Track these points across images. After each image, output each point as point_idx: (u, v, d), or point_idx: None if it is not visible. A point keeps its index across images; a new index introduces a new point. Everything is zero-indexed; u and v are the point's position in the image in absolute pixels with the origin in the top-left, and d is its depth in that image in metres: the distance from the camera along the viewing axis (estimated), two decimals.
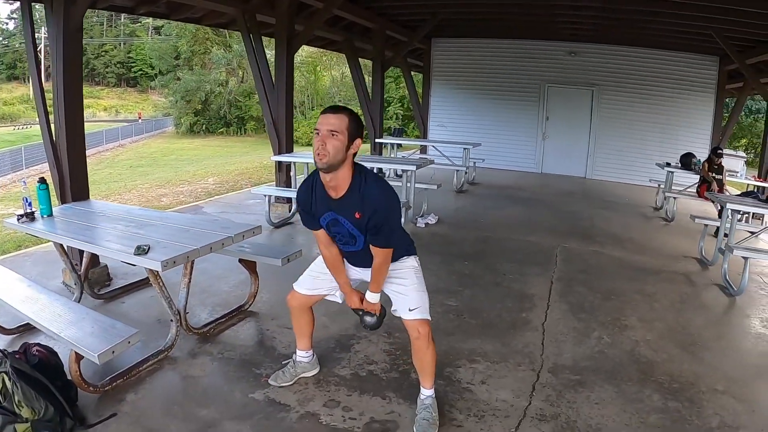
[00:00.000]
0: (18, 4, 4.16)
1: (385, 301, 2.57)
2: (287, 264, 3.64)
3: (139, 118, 40.61)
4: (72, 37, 3.83)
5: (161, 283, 2.95)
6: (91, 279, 3.92)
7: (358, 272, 2.60)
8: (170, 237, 2.98)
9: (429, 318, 2.49)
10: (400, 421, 2.56)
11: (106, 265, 4.23)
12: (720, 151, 7.43)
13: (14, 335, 3.28)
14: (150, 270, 2.84)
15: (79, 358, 2.46)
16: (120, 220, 3.39)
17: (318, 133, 2.11)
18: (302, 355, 2.87)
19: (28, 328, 3.27)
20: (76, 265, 3.74)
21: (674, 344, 3.67)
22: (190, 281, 3.15)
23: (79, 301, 3.57)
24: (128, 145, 31.24)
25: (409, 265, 2.51)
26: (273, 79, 6.65)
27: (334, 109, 2.14)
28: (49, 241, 5.14)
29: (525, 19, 9.58)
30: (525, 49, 11.70)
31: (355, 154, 2.20)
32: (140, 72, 46.41)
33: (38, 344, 2.63)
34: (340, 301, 2.69)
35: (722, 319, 4.34)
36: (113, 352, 2.34)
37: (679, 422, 2.72)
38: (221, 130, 36.79)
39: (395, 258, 2.44)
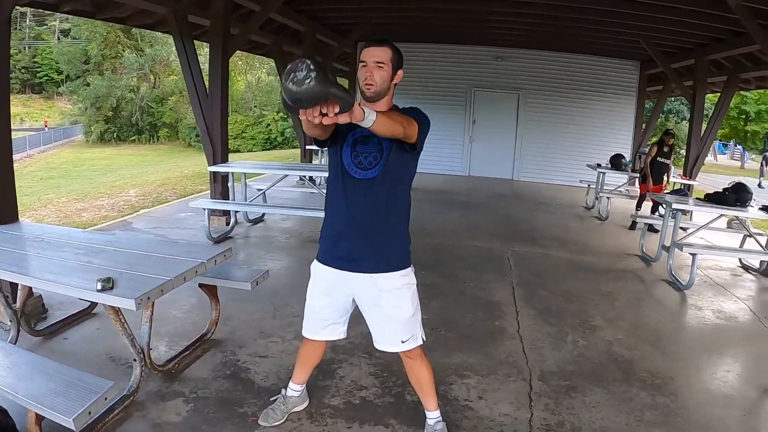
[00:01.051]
0: None
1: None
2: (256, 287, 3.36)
3: (46, 126, 37.48)
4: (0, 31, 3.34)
5: (123, 320, 2.59)
6: (26, 313, 3.42)
7: (346, 280, 2.22)
8: (131, 266, 2.61)
9: (422, 342, 2.31)
10: None
11: (40, 296, 3.72)
12: (671, 132, 7.75)
13: None
14: (110, 307, 2.48)
15: (39, 420, 2.07)
16: (64, 246, 2.96)
17: (365, 65, 2.09)
18: (296, 389, 2.62)
19: None
20: (8, 297, 3.24)
21: (643, 341, 3.79)
22: (152, 315, 2.80)
23: (15, 342, 3.11)
24: (36, 155, 28.69)
25: (405, 282, 2.22)
26: (206, 85, 6.25)
27: (378, 42, 2.12)
28: None
29: (455, 24, 9.71)
30: (452, 54, 11.88)
31: (395, 86, 2.19)
32: (46, 77, 42.77)
33: None
34: (344, 336, 2.43)
35: (679, 313, 4.55)
36: (90, 413, 1.97)
37: (671, 416, 2.80)
38: (133, 138, 34.80)
39: (389, 267, 2.18)
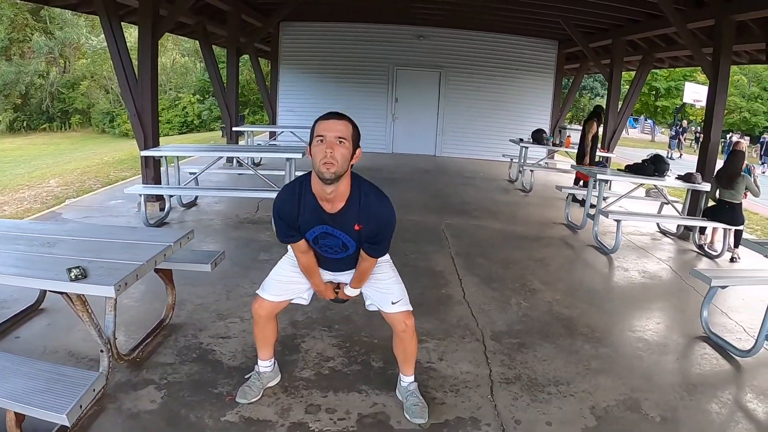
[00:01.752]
0: None
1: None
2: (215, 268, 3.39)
3: None
4: None
5: (90, 310, 2.56)
6: None
7: (333, 276, 2.53)
8: (97, 254, 2.56)
9: (411, 308, 2.51)
10: (387, 411, 2.55)
11: None
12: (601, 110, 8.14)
13: None
14: (78, 297, 2.45)
15: (20, 421, 2.01)
16: (15, 239, 2.84)
17: (322, 140, 1.95)
18: (265, 365, 2.70)
19: None
20: None
21: (580, 300, 4.17)
22: (116, 302, 2.78)
23: None
24: None
25: (384, 259, 2.48)
26: (135, 68, 6.02)
27: (338, 116, 2.01)
28: None
29: (377, 3, 9.79)
30: (374, 33, 11.98)
31: (351, 166, 2.08)
32: None
33: None
34: (307, 303, 2.60)
35: (609, 274, 5.01)
36: (81, 406, 1.95)
37: (614, 364, 3.17)
38: (44, 125, 32.24)
39: None
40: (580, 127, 8.60)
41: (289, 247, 2.44)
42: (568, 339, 3.44)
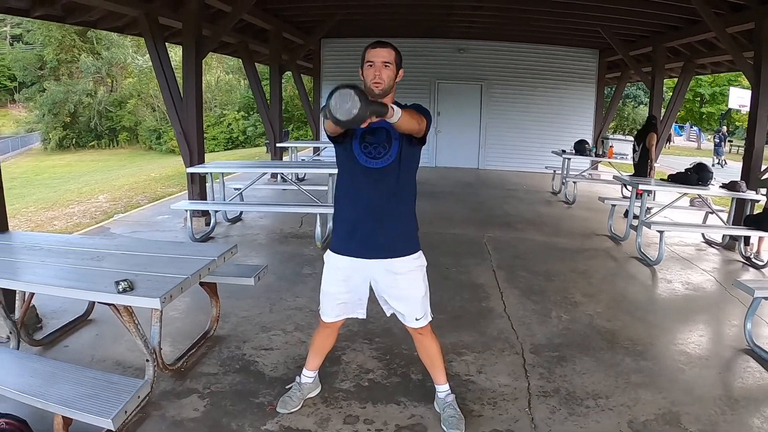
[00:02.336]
0: None
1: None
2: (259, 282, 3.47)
3: None
4: None
5: (136, 321, 2.67)
6: (24, 323, 3.43)
7: (365, 266, 2.39)
8: (144, 267, 2.69)
9: (431, 318, 2.51)
10: (425, 422, 2.56)
11: (34, 306, 3.71)
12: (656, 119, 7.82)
13: None
14: (125, 308, 2.56)
15: (67, 424, 2.12)
16: (67, 253, 3.00)
17: (372, 65, 2.24)
18: (309, 375, 2.75)
19: None
20: (4, 308, 3.25)
21: (622, 312, 4.07)
22: (162, 314, 2.89)
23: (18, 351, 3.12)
24: None
25: (418, 264, 2.43)
26: (180, 87, 6.25)
27: (382, 44, 2.28)
28: None
29: (417, 18, 9.88)
30: (414, 48, 12.02)
31: (396, 84, 2.33)
32: None
33: (2, 414, 2.25)
34: (364, 317, 2.59)
35: (652, 286, 4.86)
36: (126, 412, 2.05)
37: (655, 377, 3.07)
38: (92, 143, 33.84)
39: (403, 252, 2.38)
40: (624, 137, 8.42)
41: (325, 257, 2.47)
42: (609, 352, 3.36)
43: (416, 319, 2.44)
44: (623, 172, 8.34)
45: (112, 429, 2.01)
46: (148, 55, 6.40)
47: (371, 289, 2.48)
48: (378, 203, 2.30)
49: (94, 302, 3.68)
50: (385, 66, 2.25)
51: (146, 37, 6.07)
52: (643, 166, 6.94)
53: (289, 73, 11.85)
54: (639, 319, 3.94)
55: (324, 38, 12.01)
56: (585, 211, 7.89)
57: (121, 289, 2.34)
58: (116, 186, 12.06)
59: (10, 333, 3.20)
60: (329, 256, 2.45)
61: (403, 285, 2.39)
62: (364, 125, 1.86)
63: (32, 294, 3.12)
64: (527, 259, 5.43)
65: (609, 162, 9.29)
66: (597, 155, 9.11)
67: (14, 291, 3.19)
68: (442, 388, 2.61)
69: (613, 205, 6.45)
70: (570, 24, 9.07)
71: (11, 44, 40.41)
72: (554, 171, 9.60)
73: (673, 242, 6.15)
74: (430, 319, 2.50)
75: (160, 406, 2.72)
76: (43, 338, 3.46)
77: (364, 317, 2.57)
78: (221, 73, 34.41)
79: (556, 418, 2.62)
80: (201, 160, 6.58)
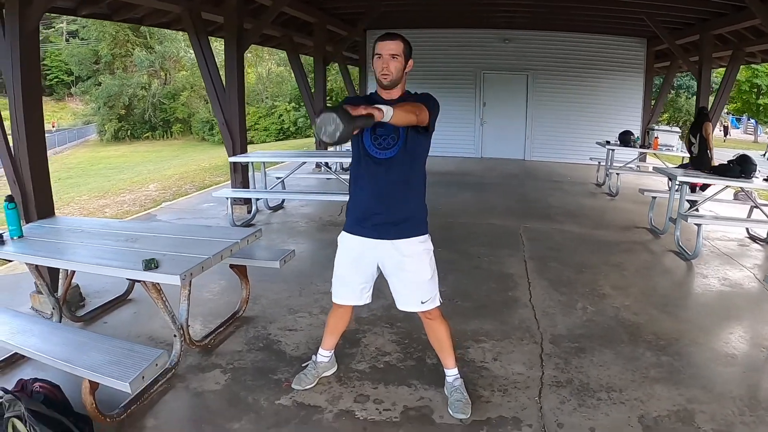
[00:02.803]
0: None
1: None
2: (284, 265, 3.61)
3: (53, 127, 38.01)
4: (29, 41, 3.56)
5: (164, 298, 2.84)
6: (67, 301, 3.69)
7: (375, 246, 2.47)
8: (171, 248, 2.86)
9: (439, 303, 2.56)
10: (432, 405, 2.62)
11: (78, 285, 3.99)
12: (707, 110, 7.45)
13: None
14: (153, 285, 2.74)
15: (93, 389, 2.31)
16: (105, 235, 3.22)
17: (380, 57, 2.33)
18: (325, 354, 2.86)
19: (8, 364, 3.01)
20: (49, 286, 3.50)
21: (651, 306, 3.97)
22: (190, 293, 3.06)
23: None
24: (51, 156, 29.07)
25: (423, 248, 2.49)
26: (223, 79, 6.47)
27: (391, 36, 2.36)
28: (3, 264, 4.83)
29: (461, 8, 9.80)
30: (460, 38, 11.98)
31: (406, 74, 2.42)
32: (56, 79, 43.29)
33: (37, 379, 2.44)
34: (369, 301, 2.66)
35: (685, 281, 4.72)
36: (143, 377, 2.21)
37: (674, 373, 2.99)
38: (147, 134, 35.28)
39: (410, 233, 2.45)
40: (670, 128, 8.11)
41: (339, 238, 2.58)
42: (630, 346, 3.30)
43: (422, 302, 2.49)
44: (669, 164, 8.05)
45: (129, 392, 2.17)
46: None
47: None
48: (388, 190, 2.40)
49: (134, 282, 3.91)
50: (393, 58, 2.33)
51: (189, 32, 6.31)
52: (703, 158, 6.66)
53: (336, 64, 11.99)
54: (667, 313, 3.84)
55: (369, 29, 12.09)
56: (628, 204, 7.67)
57: (145, 267, 2.50)
58: (167, 175, 12.57)
59: (53, 309, 3.45)
60: (342, 236, 2.57)
61: (409, 267, 2.47)
62: (355, 132, 1.97)
63: (73, 272, 3.36)
64: (561, 250, 5.36)
65: (654, 153, 8.97)
66: (641, 146, 8.81)
67: (57, 270, 3.44)
68: (451, 372, 2.66)
69: (654, 197, 6.26)
70: (615, 12, 8.78)
71: (67, 40, 42.49)
72: (599, 162, 9.37)
73: (715, 237, 5.92)
74: (438, 303, 2.55)
75: (185, 378, 2.90)
76: (84, 315, 3.71)
77: (369, 301, 2.65)
78: (273, 65, 35.10)
79: (564, 409, 2.62)
80: (243, 150, 6.80)
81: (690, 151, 7.10)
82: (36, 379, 2.44)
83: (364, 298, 2.62)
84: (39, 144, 3.73)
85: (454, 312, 3.71)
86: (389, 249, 2.45)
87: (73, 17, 37.30)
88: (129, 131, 35.16)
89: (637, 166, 9.62)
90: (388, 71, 2.33)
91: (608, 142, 8.77)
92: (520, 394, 2.74)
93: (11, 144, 3.71)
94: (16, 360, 3.03)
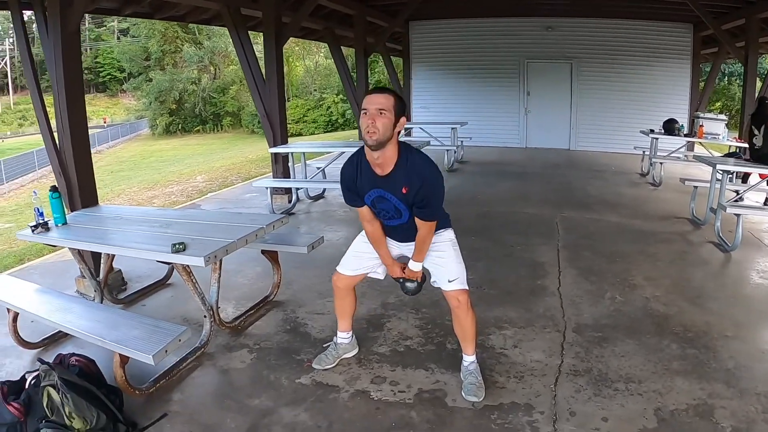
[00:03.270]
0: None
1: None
2: (311, 251, 3.72)
3: (104, 122, 39.74)
4: (70, 41, 3.79)
5: (194, 280, 3.00)
6: (109, 284, 3.92)
7: (399, 247, 2.70)
8: (201, 233, 3.02)
9: (467, 287, 2.61)
10: (447, 389, 2.68)
11: (120, 270, 4.23)
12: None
13: (39, 349, 3.23)
14: (183, 267, 2.89)
15: (124, 362, 2.48)
16: (141, 221, 3.42)
17: (366, 113, 2.21)
18: (343, 336, 2.96)
19: (54, 340, 3.26)
20: (92, 270, 3.74)
21: (682, 298, 3.86)
22: (220, 276, 3.21)
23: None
24: (105, 150, 30.66)
25: (447, 237, 2.62)
26: (263, 72, 6.65)
27: (380, 90, 2.27)
28: (53, 251, 5.16)
29: None
30: (502, 27, 11.81)
31: (399, 133, 2.30)
32: (109, 76, 45.29)
33: (74, 354, 2.65)
34: (382, 277, 2.80)
35: (722, 273, 4.55)
36: (166, 351, 2.36)
37: (698, 366, 2.91)
38: (197, 128, 36.41)
39: (435, 230, 2.54)
40: (716, 116, 7.74)
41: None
42: (656, 337, 3.23)
43: (449, 281, 2.56)
44: (715, 153, 7.73)
45: (152, 363, 2.34)
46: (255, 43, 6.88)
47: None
48: (406, 234, 2.58)
49: (173, 267, 4.12)
50: (381, 114, 2.19)
51: (229, 27, 6.51)
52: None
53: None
54: (698, 305, 3.72)
55: (411, 20, 12.08)
56: (670, 193, 7.43)
57: (174, 250, 2.65)
58: (214, 167, 12.99)
59: (95, 292, 3.68)
60: None
61: (432, 253, 2.59)
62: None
63: (112, 257, 3.58)
64: (596, 240, 5.27)
65: (700, 142, 8.61)
66: (686, 135, 8.48)
67: (99, 255, 3.67)
68: (469, 358, 2.71)
69: (696, 187, 6.05)
70: None
71: (118, 38, 44.18)
72: (643, 152, 9.09)
73: (761, 228, 5.67)
74: (466, 286, 2.60)
75: (214, 357, 3.07)
76: (125, 297, 3.95)
77: (382, 278, 2.74)
78: (320, 57, 35.47)
79: (579, 398, 2.61)
80: (284, 141, 6.99)
81: (751, 143, 6.72)
82: (73, 354, 2.65)
83: (378, 273, 2.77)
84: (82, 138, 3.97)
85: (480, 299, 3.74)
86: (412, 246, 2.60)
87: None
88: (180, 125, 36.35)
89: (684, 156, 9.26)
90: (374, 129, 2.18)
91: (652, 131, 8.49)
92: (535, 381, 2.76)
93: (57, 139, 3.96)
94: (59, 338, 3.27)
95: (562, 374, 2.82)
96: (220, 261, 3.13)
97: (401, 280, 2.68)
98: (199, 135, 34.75)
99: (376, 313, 3.58)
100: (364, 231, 2.69)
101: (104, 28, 46.80)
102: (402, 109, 2.27)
